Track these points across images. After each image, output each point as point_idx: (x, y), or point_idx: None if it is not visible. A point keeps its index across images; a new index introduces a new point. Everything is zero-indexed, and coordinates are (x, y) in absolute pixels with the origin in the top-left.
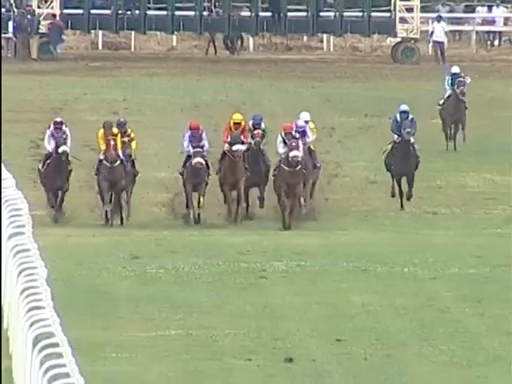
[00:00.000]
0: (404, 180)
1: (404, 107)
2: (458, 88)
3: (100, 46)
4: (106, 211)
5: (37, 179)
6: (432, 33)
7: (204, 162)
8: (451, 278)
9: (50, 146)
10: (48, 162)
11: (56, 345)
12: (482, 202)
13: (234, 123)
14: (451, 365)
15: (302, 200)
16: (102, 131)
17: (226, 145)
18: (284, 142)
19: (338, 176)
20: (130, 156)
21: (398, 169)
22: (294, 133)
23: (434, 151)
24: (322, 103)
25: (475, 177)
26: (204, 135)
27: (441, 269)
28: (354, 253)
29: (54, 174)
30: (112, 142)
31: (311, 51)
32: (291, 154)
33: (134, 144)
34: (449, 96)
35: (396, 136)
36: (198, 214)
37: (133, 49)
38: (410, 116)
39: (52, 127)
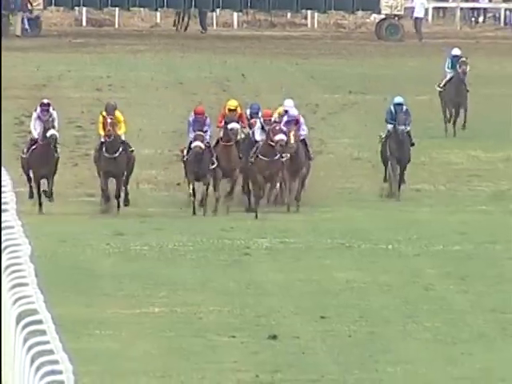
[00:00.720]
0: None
1: (398, 99)
2: (460, 67)
3: (84, 23)
4: (106, 199)
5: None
6: (414, 9)
7: (203, 147)
8: (435, 255)
9: (36, 131)
10: (33, 147)
11: (40, 322)
12: (466, 178)
13: (229, 110)
14: (435, 342)
15: (278, 186)
16: (103, 113)
17: (221, 132)
18: (262, 129)
19: (322, 153)
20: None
21: (394, 157)
22: (274, 119)
23: (419, 128)
24: (306, 80)
25: (459, 154)
26: (208, 121)
27: (425, 246)
28: (338, 230)
29: (39, 161)
30: (109, 121)
31: (295, 28)
32: (276, 137)
33: (123, 127)
34: (450, 79)
35: (390, 126)
36: (203, 204)
37: (116, 25)
38: (404, 107)
39: (38, 109)
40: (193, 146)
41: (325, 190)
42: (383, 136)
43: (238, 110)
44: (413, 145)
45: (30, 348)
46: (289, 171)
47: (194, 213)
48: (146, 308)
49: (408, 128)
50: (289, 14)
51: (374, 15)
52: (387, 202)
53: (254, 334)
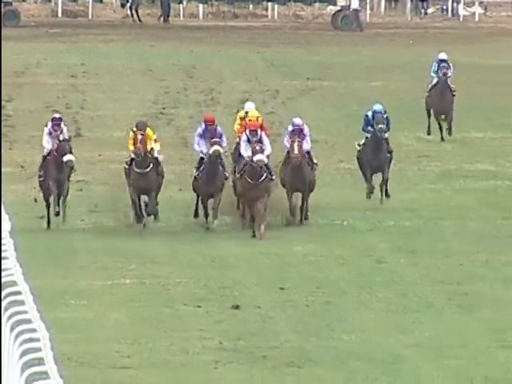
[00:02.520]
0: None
1: (378, 107)
2: (441, 71)
3: (60, 14)
4: (138, 216)
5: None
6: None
7: (222, 150)
8: (387, 231)
9: (48, 144)
10: (47, 159)
11: (18, 293)
12: (416, 159)
13: (249, 121)
14: (387, 311)
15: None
16: (134, 130)
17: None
18: (248, 141)
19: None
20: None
21: (371, 165)
22: (259, 133)
23: None
24: (266, 67)
25: (409, 136)
26: (220, 130)
27: (377, 222)
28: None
29: (52, 174)
30: (139, 137)
31: (257, 19)
32: (256, 157)
33: (158, 145)
34: (435, 84)
35: (367, 134)
36: (208, 220)
37: (90, 16)
38: (385, 115)
39: (49, 124)
40: (211, 150)
41: None
42: (361, 143)
43: (260, 120)
44: (390, 152)
45: (9, 317)
46: (292, 184)
47: (208, 229)
48: (118, 280)
49: (385, 135)
50: (251, 6)
51: (331, 7)
52: (342, 181)
53: (218, 304)
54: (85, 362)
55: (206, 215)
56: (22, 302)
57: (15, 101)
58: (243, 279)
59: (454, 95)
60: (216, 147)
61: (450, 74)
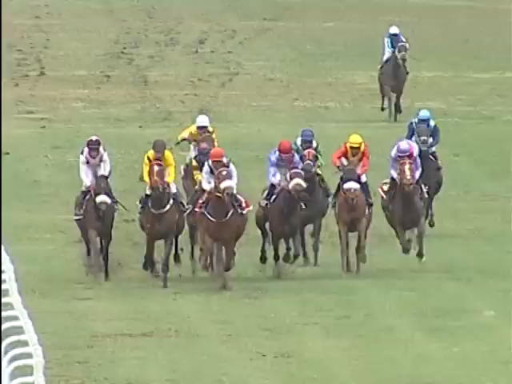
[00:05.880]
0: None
1: (424, 114)
2: (399, 53)
3: None
4: (151, 264)
5: None
6: None
7: (305, 185)
8: None
9: (87, 178)
10: (87, 199)
11: None
12: (369, 97)
13: (351, 148)
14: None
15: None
16: (149, 153)
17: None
18: (211, 173)
19: (240, 74)
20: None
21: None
22: (224, 161)
23: (327, 50)
24: (224, 8)
25: (363, 75)
26: (296, 159)
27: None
28: (253, 143)
29: (96, 216)
30: (156, 168)
31: None
32: (223, 184)
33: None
34: (387, 60)
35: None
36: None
37: None
38: (432, 123)
39: (86, 150)
40: (292, 184)
41: (241, 107)
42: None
43: (362, 147)
44: (439, 169)
45: None
46: (403, 218)
47: (281, 275)
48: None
49: (433, 149)
50: None
51: None
52: (296, 118)
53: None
54: (48, 293)
55: (277, 257)
56: None
57: None
58: None
59: (407, 73)
60: (297, 181)
61: (407, 55)
